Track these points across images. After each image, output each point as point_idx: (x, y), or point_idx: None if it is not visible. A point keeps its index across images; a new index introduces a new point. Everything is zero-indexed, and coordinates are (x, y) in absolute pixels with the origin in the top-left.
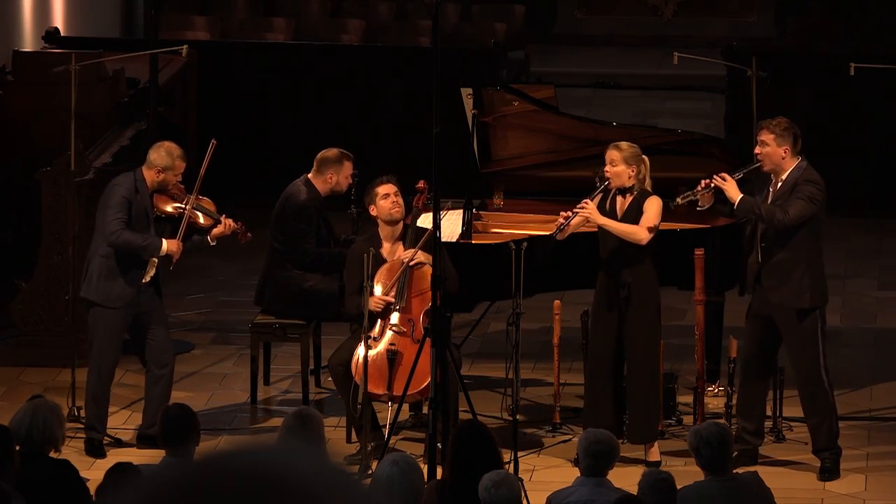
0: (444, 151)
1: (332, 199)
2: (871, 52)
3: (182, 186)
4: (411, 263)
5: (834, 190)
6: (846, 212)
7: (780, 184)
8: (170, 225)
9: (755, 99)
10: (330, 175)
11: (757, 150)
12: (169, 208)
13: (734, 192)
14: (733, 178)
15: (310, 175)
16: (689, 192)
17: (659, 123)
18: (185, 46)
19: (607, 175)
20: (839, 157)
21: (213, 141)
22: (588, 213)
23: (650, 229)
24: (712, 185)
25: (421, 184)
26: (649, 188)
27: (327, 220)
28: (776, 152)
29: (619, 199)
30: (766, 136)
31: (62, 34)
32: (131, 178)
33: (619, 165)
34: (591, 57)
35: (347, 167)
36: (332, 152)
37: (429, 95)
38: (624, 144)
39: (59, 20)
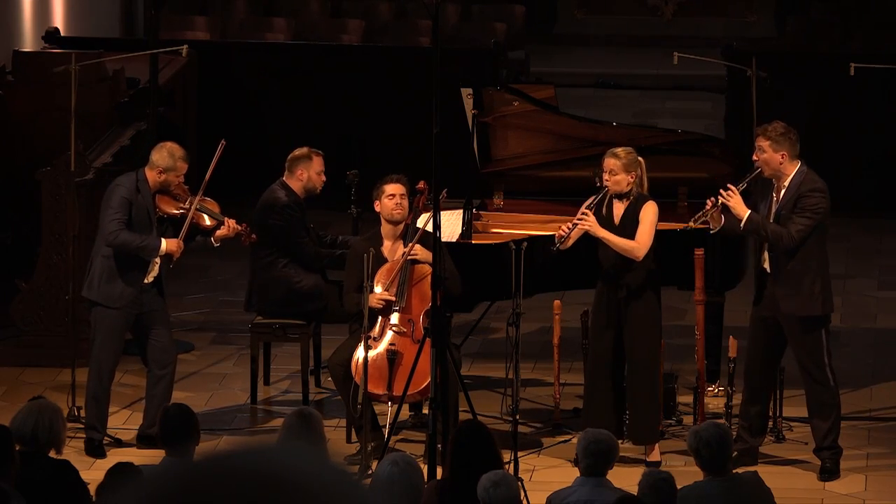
0: (444, 151)
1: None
2: (871, 52)
3: (186, 187)
4: (409, 257)
5: (834, 190)
6: (846, 212)
7: (783, 190)
8: (171, 225)
9: (755, 99)
10: (300, 172)
11: (755, 156)
12: (172, 209)
13: (741, 209)
14: (738, 188)
15: (284, 178)
16: (699, 213)
17: (659, 123)
18: (185, 46)
19: (606, 183)
20: (839, 157)
21: (222, 142)
22: (588, 226)
23: (647, 244)
24: (719, 202)
25: (421, 184)
26: (646, 189)
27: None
28: (773, 158)
29: (616, 203)
30: (762, 143)
31: (62, 34)
32: (133, 177)
33: (619, 174)
34: (591, 57)
35: (317, 163)
36: (300, 150)
37: (429, 95)
38: (621, 151)
39: (59, 20)
